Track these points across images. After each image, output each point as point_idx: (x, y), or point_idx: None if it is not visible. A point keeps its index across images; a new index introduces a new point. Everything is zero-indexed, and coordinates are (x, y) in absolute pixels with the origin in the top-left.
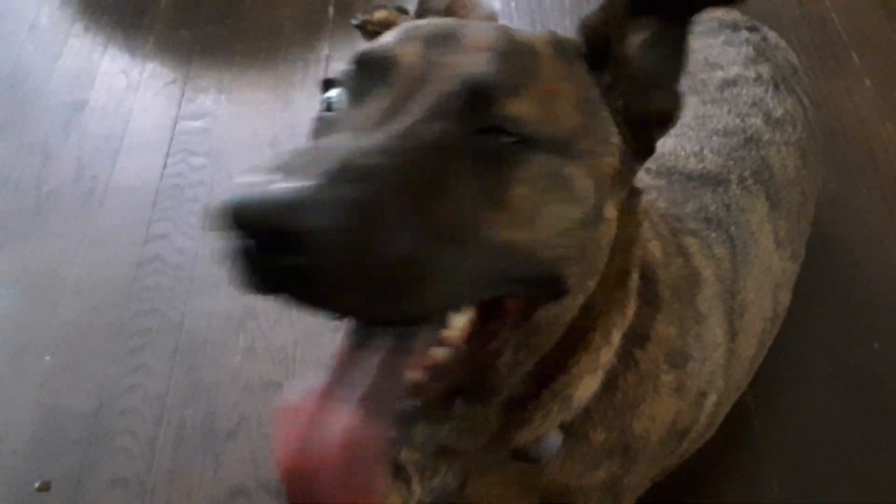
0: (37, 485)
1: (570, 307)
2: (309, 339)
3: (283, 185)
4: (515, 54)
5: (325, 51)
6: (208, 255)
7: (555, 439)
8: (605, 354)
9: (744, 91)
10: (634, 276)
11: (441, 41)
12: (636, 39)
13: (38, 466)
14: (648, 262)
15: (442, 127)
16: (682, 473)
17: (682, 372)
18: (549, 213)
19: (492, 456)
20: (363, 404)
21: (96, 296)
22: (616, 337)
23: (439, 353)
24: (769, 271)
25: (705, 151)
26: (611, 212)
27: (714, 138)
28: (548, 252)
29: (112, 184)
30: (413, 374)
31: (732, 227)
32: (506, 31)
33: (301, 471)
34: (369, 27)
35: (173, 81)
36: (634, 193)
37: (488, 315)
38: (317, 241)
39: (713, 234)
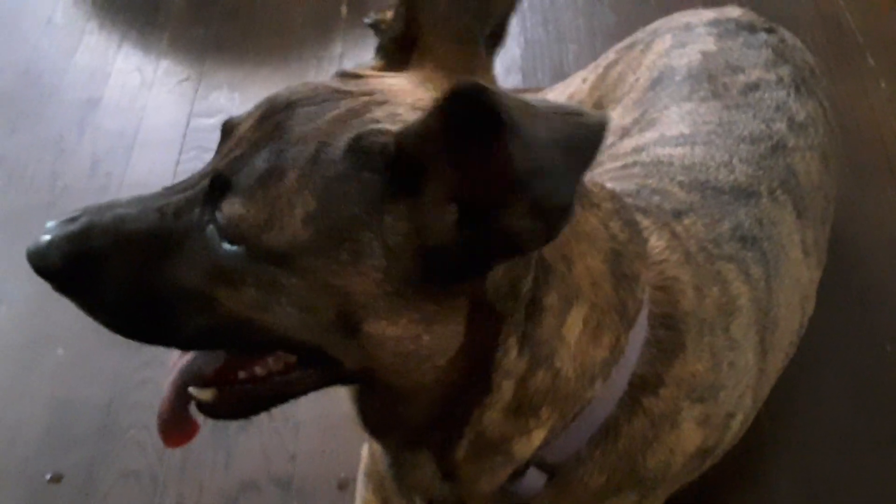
0: (48, 476)
1: (402, 385)
2: None
3: (46, 236)
4: (271, 158)
5: (339, 49)
6: None
7: (534, 479)
8: (535, 423)
9: (766, 95)
10: (510, 367)
11: (264, 121)
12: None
13: (49, 458)
14: (673, 314)
15: (195, 212)
16: None
17: (711, 403)
18: (276, 310)
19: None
20: (177, 375)
21: None
22: (548, 414)
23: (261, 364)
24: (798, 283)
25: (734, 161)
26: (383, 328)
27: (742, 146)
28: (291, 336)
29: (126, 180)
30: (260, 369)
31: (765, 243)
32: (289, 127)
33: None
34: (382, 26)
35: (187, 79)
36: (484, 307)
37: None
38: (56, 276)
39: (749, 255)
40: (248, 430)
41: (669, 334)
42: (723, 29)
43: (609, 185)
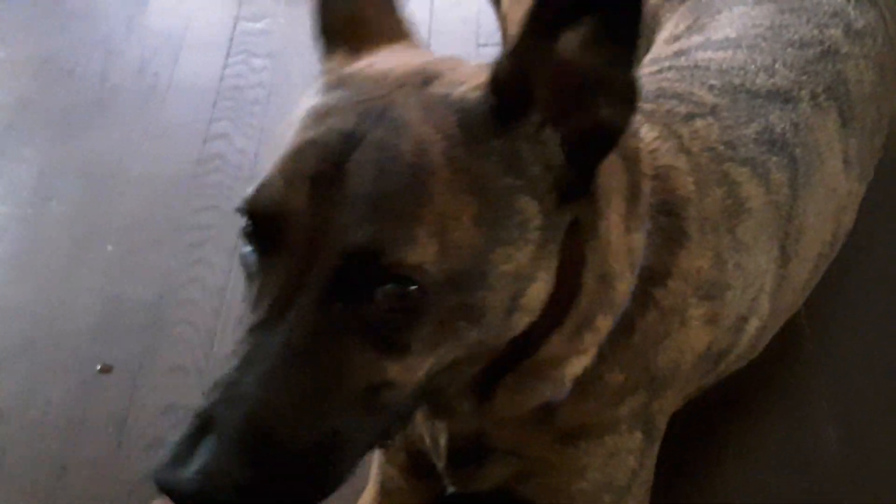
0: (98, 367)
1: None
2: None
3: (187, 474)
4: (403, 190)
5: None
6: (268, 157)
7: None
8: (591, 338)
9: (825, 0)
10: (589, 281)
11: (326, 183)
12: (573, 39)
13: (100, 350)
14: (674, 200)
15: (339, 309)
16: (731, 390)
17: (719, 303)
18: (462, 336)
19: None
20: None
21: (158, 189)
22: (602, 322)
23: None
24: (834, 193)
25: (777, 65)
26: (532, 290)
27: (789, 50)
28: (471, 352)
29: (174, 81)
30: None
31: (798, 149)
32: (392, 155)
33: None
34: None
35: None
36: (583, 221)
37: None
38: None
39: (774, 159)
40: None
41: (670, 221)
42: None
43: None
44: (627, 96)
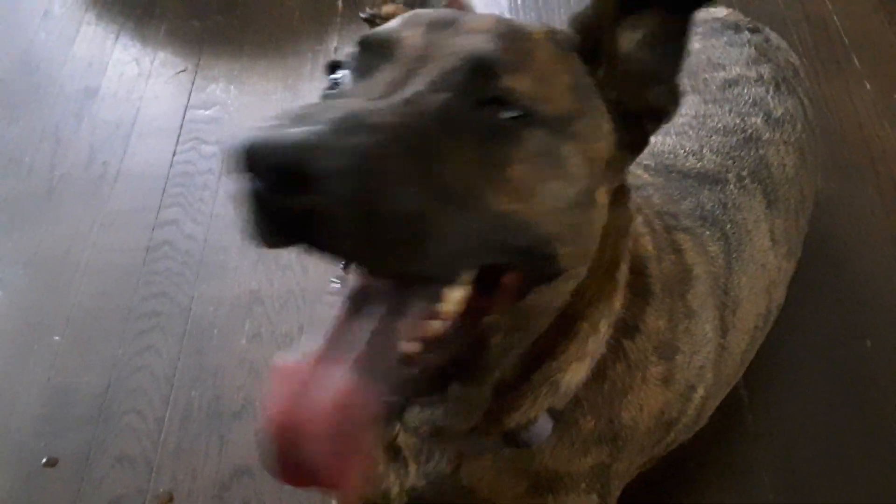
0: (44, 461)
1: (562, 291)
2: (314, 326)
3: (293, 129)
4: (513, 38)
5: (334, 43)
6: (217, 242)
7: (545, 425)
8: (593, 343)
9: (745, 91)
10: (623, 269)
11: (441, 26)
12: (634, 36)
13: (45, 443)
14: (640, 257)
15: (445, 97)
16: (674, 464)
17: (671, 364)
18: (544, 189)
19: (484, 440)
20: (357, 367)
21: (106, 278)
22: (603, 326)
23: (434, 326)
24: (764, 269)
25: (704, 150)
26: (602, 198)
27: (714, 137)
28: (543, 227)
29: (123, 170)
30: (407, 345)
31: (728, 225)
32: (503, 19)
33: (289, 430)
34: (378, 21)
35: (184, 70)
36: (625, 189)
37: (483, 291)
38: (325, 183)
39: (707, 232)
40: (242, 417)
41: (641, 280)
42: (708, 28)
43: None
44: (672, 92)
